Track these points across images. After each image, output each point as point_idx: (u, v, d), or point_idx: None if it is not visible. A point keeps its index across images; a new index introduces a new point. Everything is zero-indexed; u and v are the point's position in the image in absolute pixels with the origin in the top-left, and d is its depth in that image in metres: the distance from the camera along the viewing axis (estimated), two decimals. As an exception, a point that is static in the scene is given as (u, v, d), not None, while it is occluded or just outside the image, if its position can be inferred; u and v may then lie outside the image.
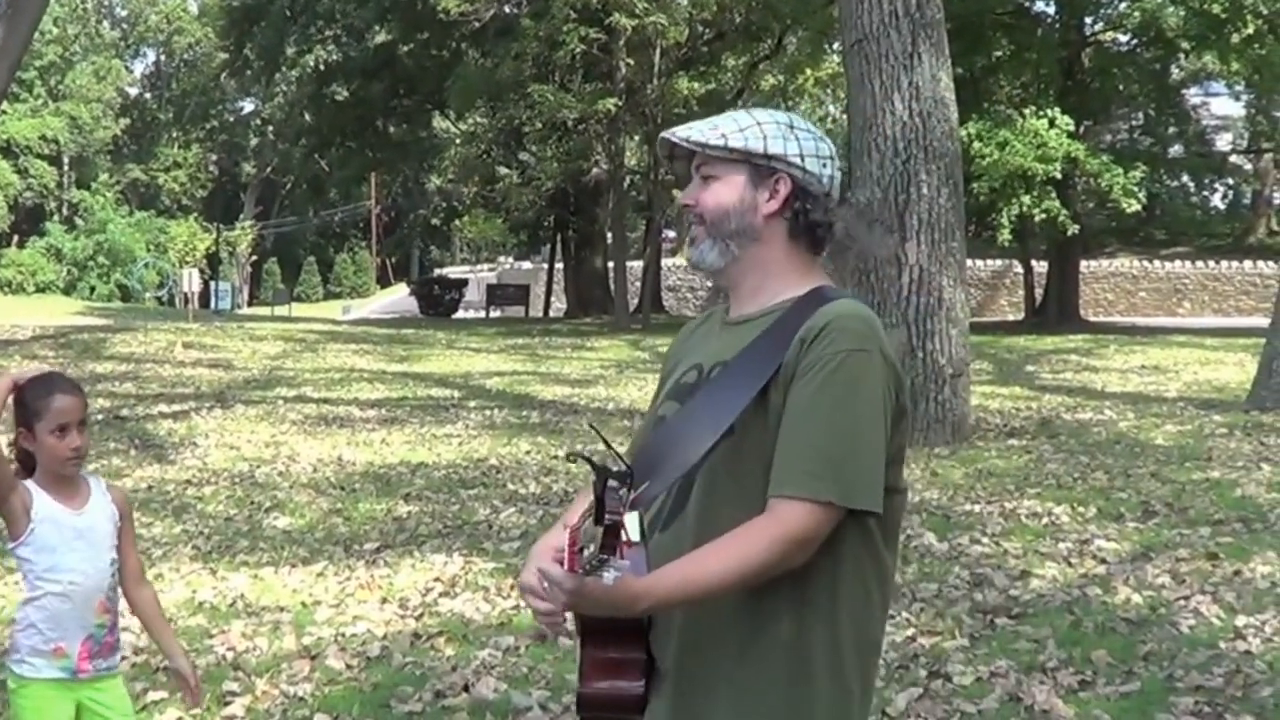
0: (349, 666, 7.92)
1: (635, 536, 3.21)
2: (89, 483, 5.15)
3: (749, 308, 3.49)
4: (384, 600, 9.27)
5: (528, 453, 15.87)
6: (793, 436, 3.20)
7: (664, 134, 3.60)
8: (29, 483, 5.01)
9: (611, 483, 3.01)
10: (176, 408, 20.58)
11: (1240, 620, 8.28)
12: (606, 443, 3.15)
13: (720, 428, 3.25)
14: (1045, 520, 10.90)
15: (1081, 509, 11.22)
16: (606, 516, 2.96)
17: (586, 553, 2.99)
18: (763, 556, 3.12)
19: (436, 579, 9.68)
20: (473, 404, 21.45)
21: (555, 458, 15.37)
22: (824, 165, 3.45)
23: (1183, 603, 8.68)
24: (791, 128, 3.46)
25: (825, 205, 3.47)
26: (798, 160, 3.41)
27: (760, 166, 3.42)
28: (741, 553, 3.13)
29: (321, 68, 58.22)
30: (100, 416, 19.04)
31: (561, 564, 3.03)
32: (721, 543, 3.17)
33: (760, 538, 3.14)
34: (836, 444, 3.17)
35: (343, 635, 8.49)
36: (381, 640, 8.36)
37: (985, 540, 10.25)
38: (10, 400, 5.01)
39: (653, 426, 3.63)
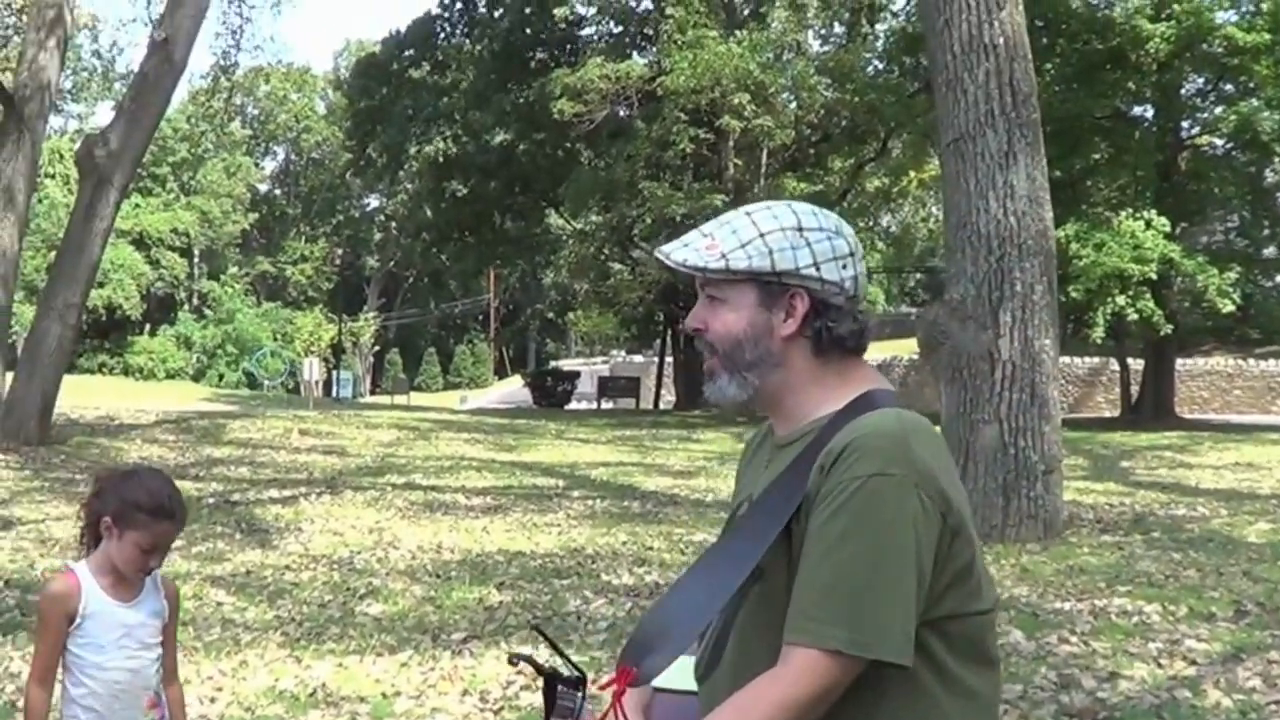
0: (424, 760, 7.64)
1: (689, 685, 3.04)
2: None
3: (789, 426, 3.13)
4: (465, 692, 8.95)
5: (624, 543, 15.57)
6: (803, 575, 2.83)
7: (656, 252, 3.18)
8: (82, 568, 4.76)
9: (561, 688, 2.78)
10: (287, 493, 20.44)
11: (1332, 726, 7.87)
12: (554, 646, 2.85)
13: (738, 577, 2.89)
14: (1135, 619, 10.48)
15: (1172, 607, 10.79)
16: None
17: None
18: (772, 717, 2.76)
19: (519, 671, 9.35)
20: (576, 493, 21.21)
21: (650, 549, 15.09)
22: (844, 266, 3.04)
23: (1274, 707, 8.24)
24: (800, 230, 3.03)
25: (851, 312, 3.06)
26: (812, 271, 3.01)
27: (771, 284, 3.02)
28: (748, 715, 2.78)
29: (441, 159, 58.56)
30: (211, 500, 18.97)
31: None
32: (730, 705, 2.83)
33: (766, 696, 2.78)
34: (847, 582, 2.77)
35: (420, 728, 8.20)
36: (459, 733, 8.07)
37: (1074, 639, 9.85)
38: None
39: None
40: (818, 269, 3.00)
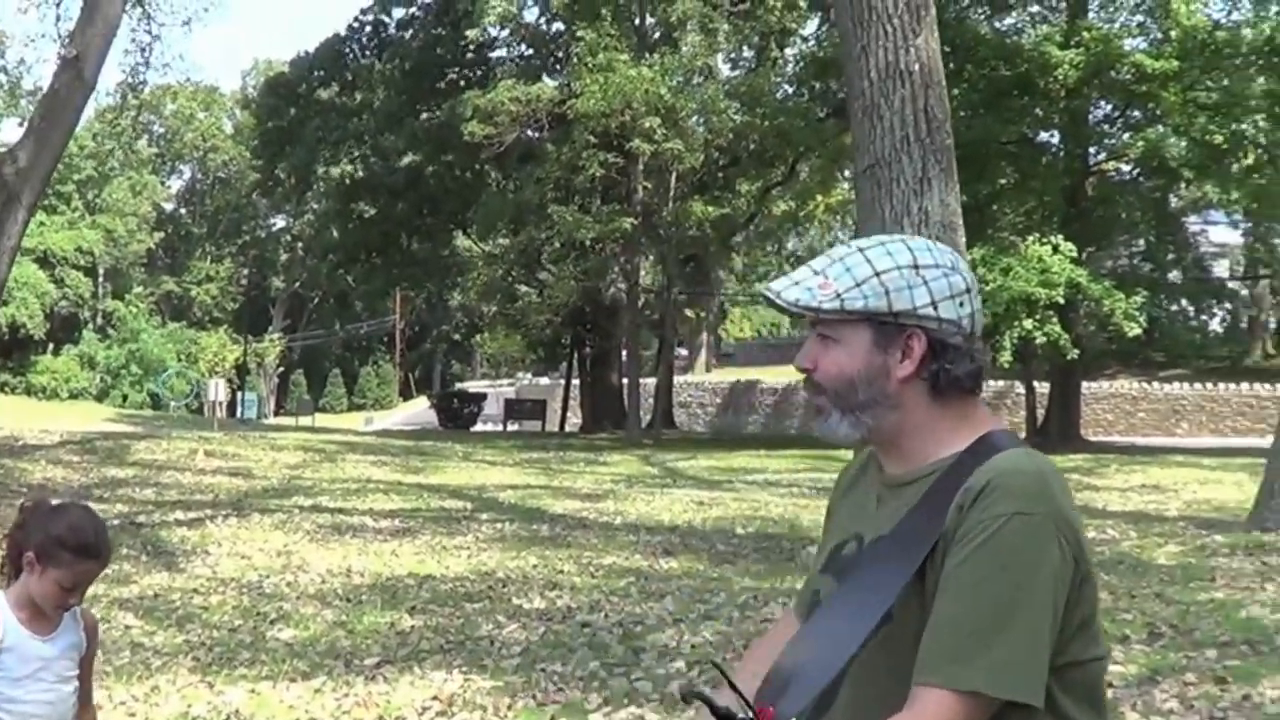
0: (339, 789, 7.52)
1: None
2: None
3: (905, 466, 2.99)
4: (380, 718, 8.85)
5: (535, 566, 15.46)
6: (940, 614, 2.72)
7: (763, 289, 3.01)
8: (0, 600, 4.63)
9: None
10: (193, 515, 20.21)
11: (1251, 745, 7.86)
12: (733, 685, 2.74)
13: (874, 618, 2.78)
14: (1050, 644, 10.47)
15: (1086, 632, 10.80)
16: None
17: None
18: None
19: (434, 697, 9.23)
20: (485, 516, 21.06)
21: (561, 572, 15.00)
22: (961, 304, 2.91)
23: (1192, 729, 8.26)
24: (916, 268, 2.90)
25: (969, 351, 2.94)
26: (929, 311, 2.88)
27: (887, 324, 2.89)
28: None
29: (349, 181, 58.42)
30: (116, 522, 18.64)
31: None
32: None
33: None
34: (987, 623, 2.66)
35: (335, 755, 8.08)
36: (375, 761, 7.95)
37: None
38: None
39: (807, 605, 3.14)
40: (935, 308, 2.88)
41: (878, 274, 2.88)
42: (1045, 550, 2.69)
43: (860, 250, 2.95)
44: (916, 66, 14.84)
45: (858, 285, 2.88)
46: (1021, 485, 2.73)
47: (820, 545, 3.29)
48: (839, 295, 2.89)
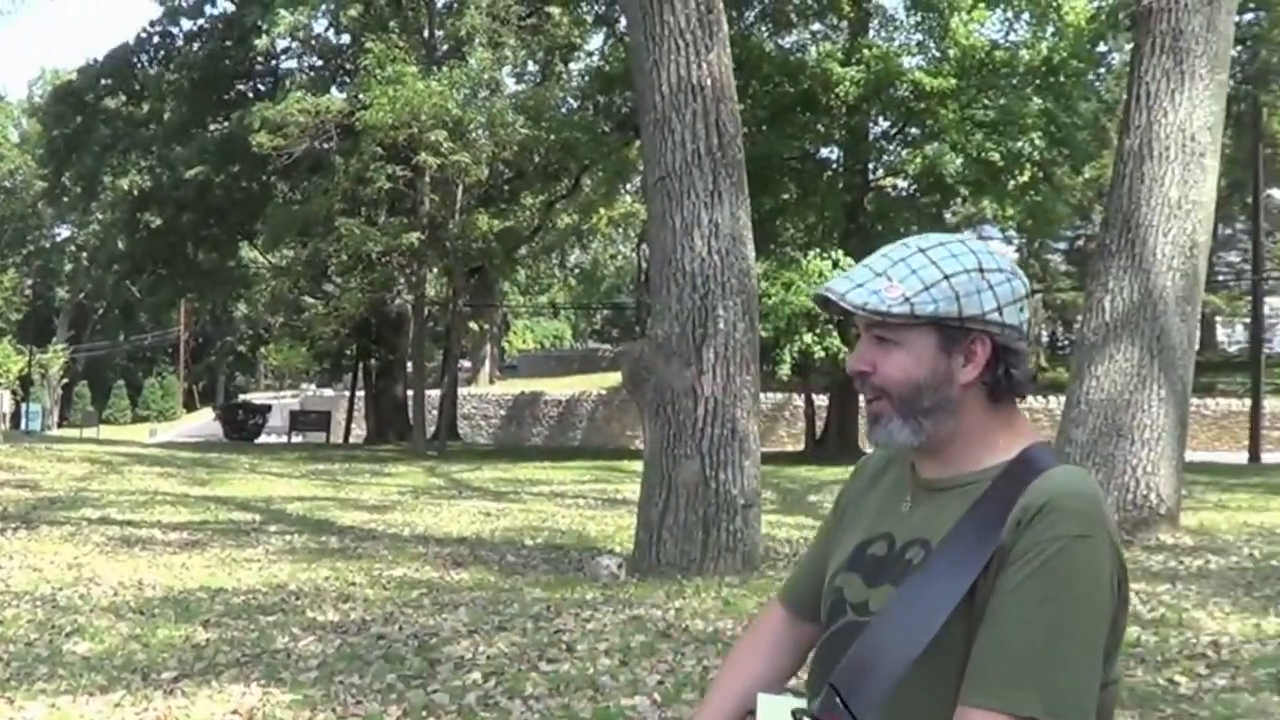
0: (142, 802, 7.47)
1: None
2: None
3: (946, 470, 2.90)
4: (180, 733, 8.80)
5: (326, 578, 15.38)
6: (995, 634, 2.63)
7: (824, 291, 2.89)
8: None
9: None
10: (-19, 527, 19.89)
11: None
12: (850, 713, 2.74)
13: (931, 630, 2.67)
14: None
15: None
16: None
17: None
18: None
19: (234, 711, 9.15)
20: (273, 528, 20.94)
21: (353, 584, 14.96)
22: (1021, 310, 2.84)
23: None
24: (982, 271, 2.81)
25: (1026, 354, 2.87)
26: (995, 316, 2.80)
27: (953, 329, 2.81)
28: None
29: (135, 192, 57.61)
30: (-97, 535, 18.36)
31: None
32: None
33: None
34: (1046, 646, 2.58)
35: (136, 769, 8.02)
36: (176, 774, 7.91)
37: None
38: None
39: (827, 602, 3.04)
40: (1000, 313, 2.81)
41: (946, 278, 2.82)
42: (1102, 574, 2.65)
43: (922, 251, 2.88)
44: (708, 81, 15.08)
45: (926, 289, 2.81)
46: (1082, 508, 2.67)
47: (825, 537, 3.27)
48: (908, 299, 2.81)
